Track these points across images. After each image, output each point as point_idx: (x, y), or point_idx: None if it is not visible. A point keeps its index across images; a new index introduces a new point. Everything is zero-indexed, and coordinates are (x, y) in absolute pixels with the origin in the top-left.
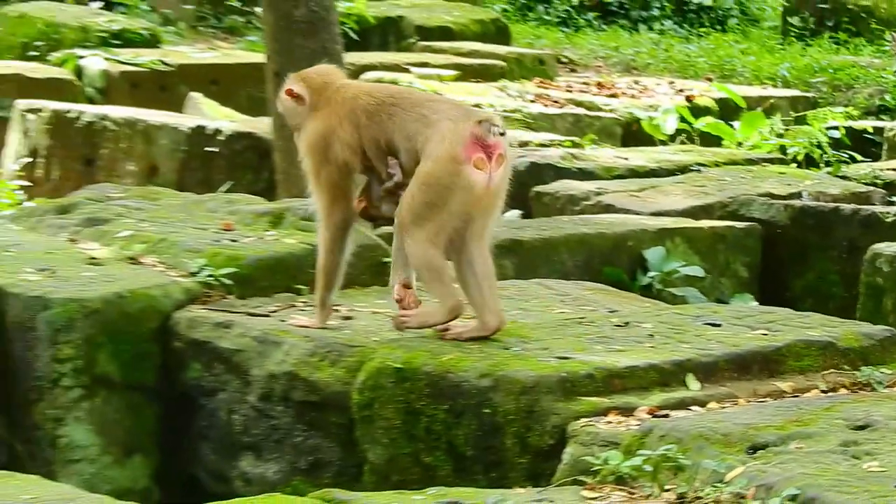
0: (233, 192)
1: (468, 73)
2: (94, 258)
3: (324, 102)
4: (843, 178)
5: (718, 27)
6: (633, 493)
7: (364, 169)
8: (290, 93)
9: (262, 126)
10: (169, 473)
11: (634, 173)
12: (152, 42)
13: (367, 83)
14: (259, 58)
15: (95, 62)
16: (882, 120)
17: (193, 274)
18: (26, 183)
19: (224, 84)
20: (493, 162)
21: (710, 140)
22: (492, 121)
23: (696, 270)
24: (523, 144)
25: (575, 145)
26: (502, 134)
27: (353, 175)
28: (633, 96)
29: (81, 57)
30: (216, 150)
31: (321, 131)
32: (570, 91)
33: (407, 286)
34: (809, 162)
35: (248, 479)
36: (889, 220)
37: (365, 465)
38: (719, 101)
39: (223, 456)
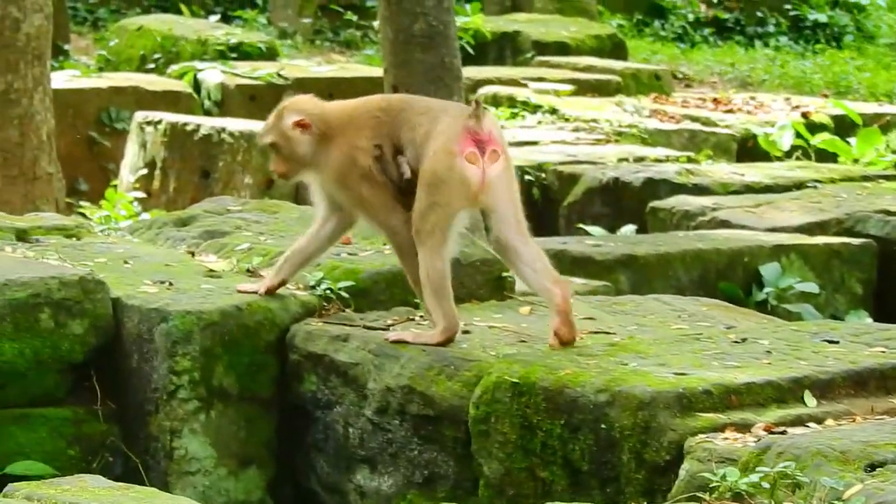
0: None
1: (584, 89)
2: (212, 271)
3: (334, 127)
4: None
5: (834, 44)
6: None
7: (380, 172)
8: (301, 123)
9: None
10: (283, 486)
11: (750, 189)
12: (269, 55)
13: (352, 100)
14: (376, 72)
15: (213, 75)
16: None
17: (311, 287)
18: (143, 195)
19: (340, 97)
20: (486, 157)
21: (826, 156)
22: (479, 112)
23: (811, 287)
24: (639, 160)
25: (691, 161)
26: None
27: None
28: (748, 112)
29: (199, 70)
30: None
31: (346, 151)
32: (687, 107)
33: None
34: None
35: (362, 492)
36: None
37: (480, 480)
38: (835, 117)
39: (338, 469)
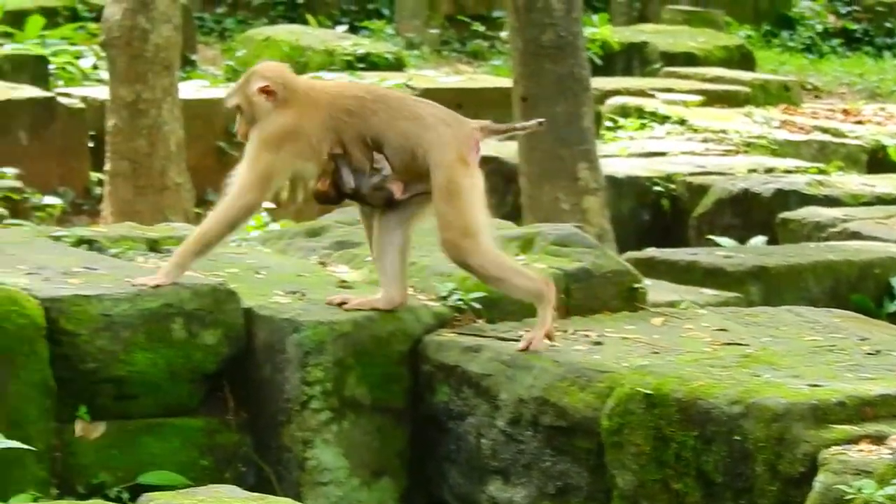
0: None
1: (712, 99)
2: (344, 281)
3: (295, 100)
4: None
5: None
6: None
7: (331, 157)
8: (265, 90)
9: (506, 150)
10: (416, 496)
11: (881, 200)
12: (397, 66)
13: (332, 81)
14: (503, 82)
15: None
16: None
17: (443, 298)
18: (271, 204)
19: (469, 108)
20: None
21: None
22: (489, 127)
23: None
24: (769, 171)
25: (821, 172)
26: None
27: (288, 175)
28: (878, 123)
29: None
30: None
31: (287, 126)
32: (816, 118)
33: None
34: None
35: (495, 503)
36: None
37: (614, 491)
38: None
39: (471, 480)
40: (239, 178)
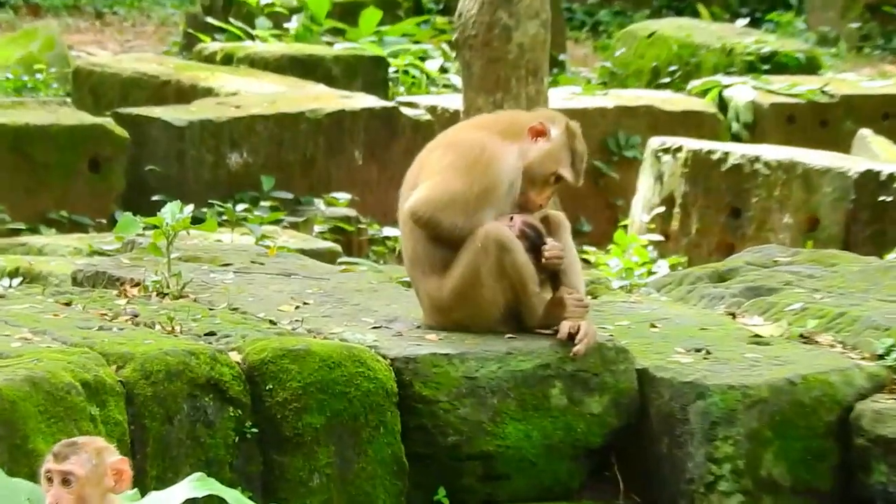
0: None
1: None
2: (758, 336)
3: None
4: None
5: None
6: None
7: None
8: None
9: None
10: None
11: None
12: (809, 67)
13: None
14: None
15: (742, 92)
16: None
17: (880, 356)
18: (659, 237)
19: None
20: None
21: None
22: None
23: None
24: None
25: None
26: None
27: None
28: None
29: (725, 85)
30: (890, 199)
31: None
32: None
33: None
34: None
35: None
36: None
37: None
38: None
39: None
40: None
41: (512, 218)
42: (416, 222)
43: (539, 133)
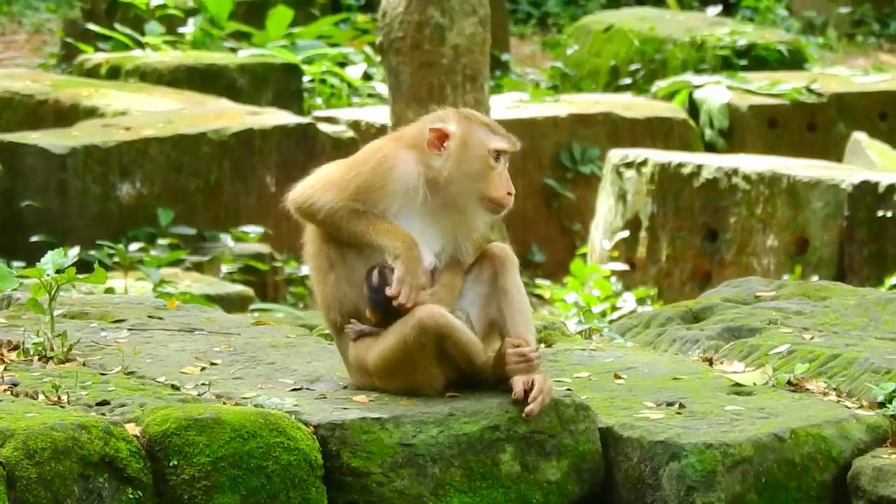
0: None
1: None
2: (739, 384)
3: None
4: None
5: None
6: None
7: None
8: None
9: None
10: None
11: None
12: (793, 61)
13: None
14: None
15: (716, 93)
16: None
17: (880, 405)
18: (624, 267)
19: None
20: None
21: None
22: None
23: None
24: None
25: None
26: None
27: None
28: None
29: (697, 86)
30: (890, 214)
31: None
32: None
33: None
34: None
35: None
36: None
37: None
38: None
39: None
40: None
41: (374, 268)
42: (296, 210)
43: (441, 138)
